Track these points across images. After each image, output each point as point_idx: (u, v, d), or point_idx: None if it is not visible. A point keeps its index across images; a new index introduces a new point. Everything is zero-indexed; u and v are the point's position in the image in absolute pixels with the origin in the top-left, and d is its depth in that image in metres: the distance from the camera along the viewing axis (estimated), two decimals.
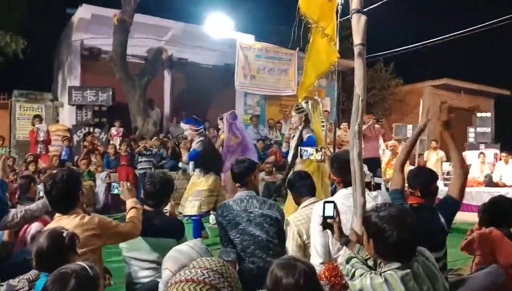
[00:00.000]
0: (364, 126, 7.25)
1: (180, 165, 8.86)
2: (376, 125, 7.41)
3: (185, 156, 5.43)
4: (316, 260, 2.32)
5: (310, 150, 4.08)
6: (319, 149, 3.95)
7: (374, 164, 7.13)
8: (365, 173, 4.16)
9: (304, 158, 4.15)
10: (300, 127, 4.80)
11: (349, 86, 12.92)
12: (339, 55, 4.22)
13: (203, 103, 11.83)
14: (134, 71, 10.30)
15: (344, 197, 2.33)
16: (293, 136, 4.93)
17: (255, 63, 10.59)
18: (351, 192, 2.25)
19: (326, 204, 2.06)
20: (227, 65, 11.62)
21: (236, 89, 10.95)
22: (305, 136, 4.70)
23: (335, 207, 2.05)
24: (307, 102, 4.90)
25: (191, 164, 5.36)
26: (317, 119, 4.95)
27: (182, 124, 5.40)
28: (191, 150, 5.23)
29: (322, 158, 3.90)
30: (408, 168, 8.14)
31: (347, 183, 2.32)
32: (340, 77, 9.75)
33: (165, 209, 2.81)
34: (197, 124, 5.32)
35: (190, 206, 5.17)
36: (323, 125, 5.91)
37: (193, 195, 5.21)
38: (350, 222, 2.23)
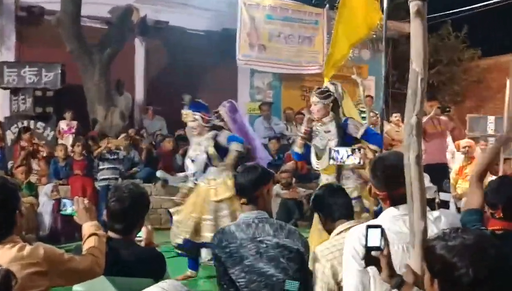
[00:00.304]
0: (425, 119, 7.24)
1: (158, 173, 8.90)
2: (442, 118, 7.41)
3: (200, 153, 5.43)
4: None
5: (342, 150, 4.07)
6: (357, 149, 3.94)
7: (439, 172, 7.10)
8: (428, 187, 4.14)
9: (333, 163, 4.15)
10: (326, 120, 4.84)
11: (402, 60, 12.89)
12: (383, 15, 4.23)
13: (191, 85, 11.82)
14: (92, 40, 10.39)
15: (391, 220, 2.33)
16: (310, 132, 4.94)
17: (265, 27, 10.61)
18: (402, 212, 2.26)
19: (370, 230, 2.06)
20: (225, 31, 11.63)
21: (239, 65, 10.97)
22: (361, 129, 4.71)
23: (383, 233, 2.04)
24: (334, 84, 4.96)
25: (198, 164, 5.45)
26: (351, 110, 5.00)
27: (187, 112, 5.47)
28: (227, 135, 5.35)
29: (361, 162, 3.89)
30: (488, 179, 8.10)
31: (396, 200, 2.33)
32: (390, 47, 9.72)
33: (139, 236, 2.85)
34: (209, 112, 5.47)
35: (215, 227, 5.17)
36: (364, 117, 5.91)
37: (213, 210, 5.27)
38: (401, 256, 2.25)
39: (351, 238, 2.37)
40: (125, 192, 2.66)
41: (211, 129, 5.44)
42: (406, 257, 2.21)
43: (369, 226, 2.10)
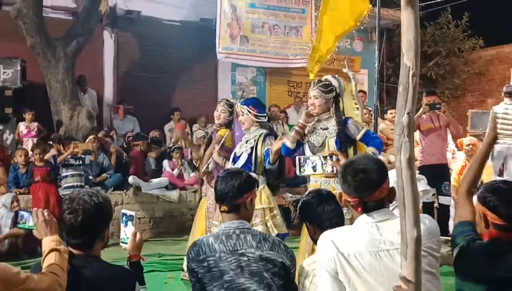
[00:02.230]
0: (422, 115, 7.25)
1: (130, 179, 8.85)
2: (441, 114, 7.46)
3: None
4: None
5: (313, 158, 4.01)
6: (328, 157, 3.89)
7: (438, 174, 7.16)
8: (423, 190, 4.12)
9: (302, 173, 4.10)
10: (325, 116, 4.83)
11: (398, 51, 12.96)
12: (377, 2, 4.26)
13: (166, 82, 11.78)
14: (55, 32, 10.31)
15: (364, 228, 2.38)
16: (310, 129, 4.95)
17: (248, 17, 10.63)
18: (376, 219, 2.36)
19: None
20: (204, 22, 11.65)
21: (219, 59, 10.96)
22: (361, 131, 4.70)
23: None
24: (336, 77, 4.94)
25: (241, 163, 5.43)
26: (352, 109, 5.00)
27: (240, 107, 5.51)
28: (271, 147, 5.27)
29: (334, 171, 3.85)
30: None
31: (368, 207, 2.40)
32: (384, 37, 9.77)
33: (124, 242, 2.86)
34: (261, 109, 5.53)
35: None
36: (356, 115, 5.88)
37: None
38: (373, 263, 2.30)
39: (323, 245, 2.40)
40: (79, 203, 2.62)
41: (262, 128, 5.43)
42: (377, 265, 2.29)
43: None
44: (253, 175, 5.02)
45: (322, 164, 3.79)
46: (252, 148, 5.32)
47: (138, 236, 2.86)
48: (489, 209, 2.54)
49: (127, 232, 2.89)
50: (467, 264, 2.55)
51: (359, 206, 2.42)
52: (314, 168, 3.91)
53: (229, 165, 5.52)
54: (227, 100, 6.13)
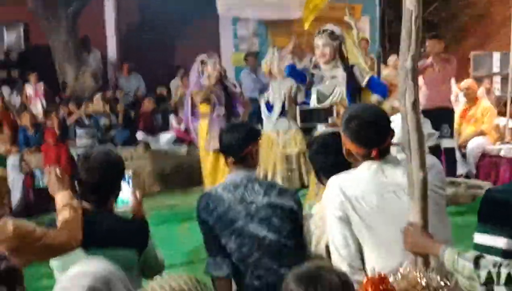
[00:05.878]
0: (428, 60, 7.13)
1: (139, 136, 8.87)
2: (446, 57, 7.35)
3: None
4: (340, 265, 2.36)
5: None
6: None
7: (442, 117, 7.09)
8: (429, 133, 4.10)
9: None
10: (332, 65, 4.80)
11: None
12: None
13: (169, 39, 11.66)
14: None
15: (373, 172, 2.38)
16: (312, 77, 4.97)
17: None
18: (380, 165, 2.34)
19: None
20: None
21: (220, 13, 10.82)
22: (366, 77, 4.80)
23: None
24: (335, 25, 4.91)
25: (276, 108, 5.70)
26: (353, 51, 5.01)
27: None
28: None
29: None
30: (497, 119, 7.99)
31: (372, 157, 2.37)
32: None
33: (125, 203, 2.89)
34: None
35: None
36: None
37: (285, 161, 5.54)
38: (383, 203, 2.31)
39: (329, 188, 2.42)
40: (95, 159, 2.65)
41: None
42: (384, 206, 2.32)
43: None
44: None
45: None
46: (285, 96, 5.73)
47: (138, 195, 2.86)
48: None
49: (122, 193, 2.87)
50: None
51: (366, 156, 2.41)
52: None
53: (263, 112, 5.92)
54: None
